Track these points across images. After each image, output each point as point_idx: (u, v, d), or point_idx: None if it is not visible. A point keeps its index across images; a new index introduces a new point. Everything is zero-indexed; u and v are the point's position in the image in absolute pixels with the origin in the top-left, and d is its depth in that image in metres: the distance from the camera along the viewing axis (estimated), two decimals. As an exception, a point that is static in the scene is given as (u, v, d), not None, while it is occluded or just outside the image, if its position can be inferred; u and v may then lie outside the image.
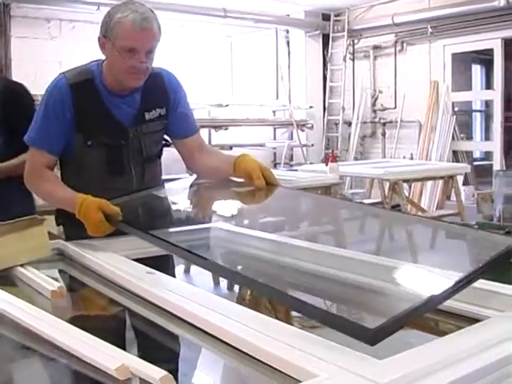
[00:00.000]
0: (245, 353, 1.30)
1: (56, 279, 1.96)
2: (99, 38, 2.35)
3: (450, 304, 1.55)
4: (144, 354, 1.36)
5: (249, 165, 2.52)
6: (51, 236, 2.33)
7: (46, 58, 8.68)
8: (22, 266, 2.07)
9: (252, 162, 2.54)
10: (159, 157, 2.63)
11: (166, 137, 2.64)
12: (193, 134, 2.66)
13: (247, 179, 2.51)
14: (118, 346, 1.34)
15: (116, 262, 2.00)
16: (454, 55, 9.48)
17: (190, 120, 2.66)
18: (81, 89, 2.38)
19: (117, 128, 2.41)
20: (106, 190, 2.35)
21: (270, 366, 1.22)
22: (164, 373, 1.18)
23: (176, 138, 2.63)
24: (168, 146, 2.67)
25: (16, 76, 8.27)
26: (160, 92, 2.50)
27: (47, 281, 1.91)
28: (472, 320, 1.44)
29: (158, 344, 1.60)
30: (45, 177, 2.41)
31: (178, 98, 2.56)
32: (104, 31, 2.31)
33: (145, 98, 2.45)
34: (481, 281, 1.64)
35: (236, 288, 2.20)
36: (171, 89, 2.54)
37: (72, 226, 2.37)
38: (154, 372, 1.20)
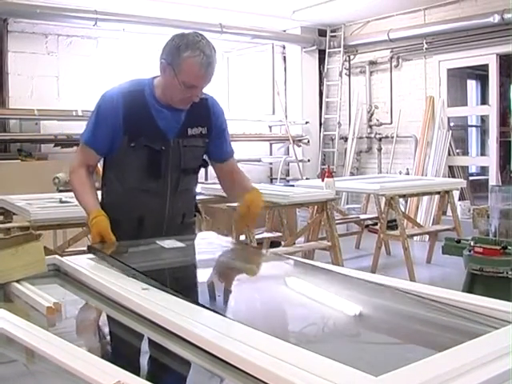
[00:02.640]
0: (239, 369, 1.29)
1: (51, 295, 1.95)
2: (162, 62, 2.56)
3: (450, 319, 1.56)
4: (140, 371, 1.35)
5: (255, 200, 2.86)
6: (47, 251, 2.33)
7: (44, 72, 8.70)
8: (17, 281, 2.07)
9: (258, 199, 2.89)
10: (196, 172, 2.83)
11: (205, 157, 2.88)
12: (229, 158, 2.94)
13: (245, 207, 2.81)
14: (113, 363, 1.34)
15: (111, 278, 1.99)
16: (449, 71, 9.51)
17: (227, 145, 2.92)
18: (131, 98, 2.61)
19: (159, 136, 2.63)
20: (141, 190, 2.67)
21: (265, 383, 1.22)
22: (160, 390, 1.18)
23: (214, 161, 2.90)
24: (206, 166, 2.91)
25: (13, 91, 8.30)
26: (204, 113, 2.74)
27: (43, 297, 1.90)
28: (471, 335, 1.44)
29: (154, 360, 1.60)
30: (83, 176, 2.69)
31: (219, 123, 2.83)
32: (170, 60, 2.52)
33: (189, 115, 2.67)
34: (480, 298, 1.64)
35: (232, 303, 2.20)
36: (215, 113, 2.80)
37: (120, 229, 2.60)
38: (150, 389, 1.19)
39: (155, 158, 2.64)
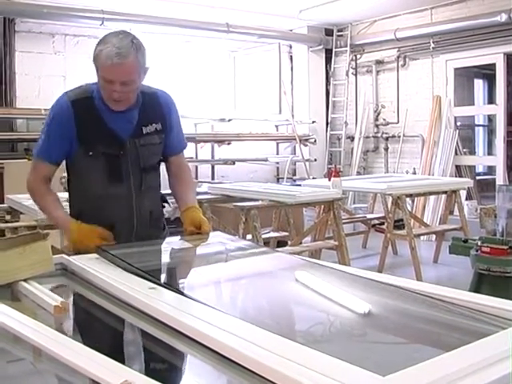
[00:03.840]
0: (246, 368, 1.29)
1: (58, 294, 1.95)
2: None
3: (457, 319, 1.55)
4: (147, 370, 1.35)
5: (196, 216, 2.76)
6: (54, 251, 2.33)
7: (51, 72, 8.72)
8: (25, 280, 2.07)
9: (199, 215, 2.79)
10: (156, 169, 2.82)
11: None
12: (179, 152, 2.94)
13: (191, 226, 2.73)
14: (121, 362, 1.34)
15: (119, 277, 2.00)
16: (456, 70, 9.49)
17: (180, 139, 2.93)
18: (81, 105, 2.61)
19: (114, 140, 2.63)
20: (106, 196, 2.66)
21: (272, 382, 1.22)
22: (167, 389, 1.18)
23: (165, 155, 2.87)
24: (163, 161, 2.90)
25: (20, 91, 8.32)
26: (156, 109, 2.75)
27: (50, 296, 1.91)
28: (478, 335, 1.43)
29: (161, 359, 1.60)
30: (42, 190, 2.73)
31: (172, 117, 2.83)
32: (92, 58, 2.55)
33: (142, 113, 2.68)
34: (487, 297, 1.64)
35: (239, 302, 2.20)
36: (167, 107, 2.80)
37: None
38: (157, 388, 1.19)
39: (115, 163, 2.64)
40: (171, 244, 2.82)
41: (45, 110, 8.05)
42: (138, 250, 2.61)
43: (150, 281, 1.92)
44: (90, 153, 2.61)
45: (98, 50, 2.51)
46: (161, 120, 2.75)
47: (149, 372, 1.28)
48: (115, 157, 2.64)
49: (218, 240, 2.81)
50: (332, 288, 1.90)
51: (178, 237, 2.83)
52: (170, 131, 2.81)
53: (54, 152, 2.67)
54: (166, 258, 2.63)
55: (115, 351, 1.59)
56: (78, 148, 2.61)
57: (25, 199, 4.94)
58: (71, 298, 2.06)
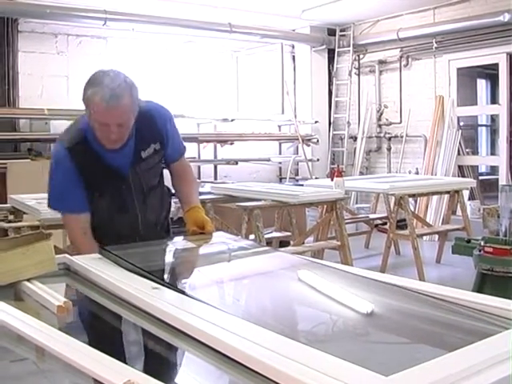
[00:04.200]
0: (249, 368, 1.29)
1: (61, 294, 1.96)
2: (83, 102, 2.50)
3: (460, 319, 1.55)
4: (150, 370, 1.35)
5: (199, 216, 2.80)
6: (57, 250, 2.34)
7: (53, 72, 8.73)
8: (28, 280, 2.08)
9: (202, 215, 2.83)
10: (159, 182, 2.88)
11: None
12: (178, 159, 2.94)
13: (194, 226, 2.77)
14: (124, 362, 1.34)
15: (122, 277, 2.00)
16: (459, 70, 9.48)
17: (176, 147, 2.90)
18: (79, 152, 2.58)
19: (116, 176, 2.66)
20: (116, 225, 2.72)
21: (275, 382, 1.22)
22: (170, 389, 1.18)
23: (166, 162, 2.90)
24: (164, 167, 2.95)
25: (23, 90, 8.33)
26: (152, 129, 2.70)
27: (53, 295, 1.91)
28: (481, 335, 1.43)
29: (164, 359, 1.60)
30: (86, 245, 2.64)
31: (167, 130, 2.78)
32: (83, 100, 2.46)
33: (139, 138, 2.65)
34: (490, 297, 1.63)
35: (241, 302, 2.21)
36: (162, 124, 2.75)
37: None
38: (160, 388, 1.20)
39: (119, 197, 2.70)
40: (174, 244, 2.83)
41: (48, 109, 8.09)
42: (141, 250, 2.61)
43: (152, 281, 1.92)
44: (96, 194, 2.66)
45: (90, 93, 2.41)
46: (159, 139, 2.73)
47: (152, 372, 1.28)
48: (119, 191, 2.69)
49: (220, 240, 2.81)
50: (335, 288, 1.90)
51: (181, 237, 2.84)
52: (168, 145, 2.80)
53: (76, 201, 2.66)
54: (168, 259, 2.63)
55: (118, 351, 1.59)
56: (86, 192, 2.65)
57: (28, 199, 4.95)
58: (74, 298, 2.06)
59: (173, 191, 3.04)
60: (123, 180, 2.68)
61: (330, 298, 1.82)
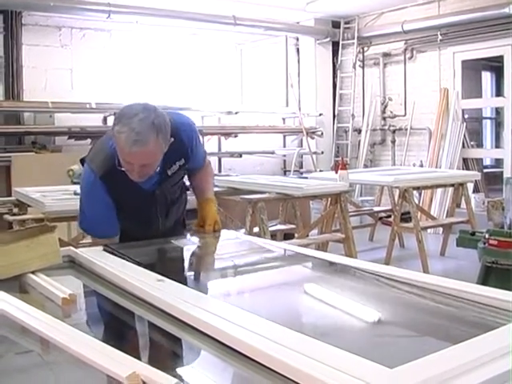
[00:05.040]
0: (254, 360, 1.30)
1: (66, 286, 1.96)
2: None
3: (464, 312, 1.55)
4: (155, 362, 1.36)
5: (207, 212, 2.89)
6: (61, 243, 2.34)
7: (57, 65, 8.72)
8: (33, 272, 2.08)
9: (211, 211, 2.89)
10: (181, 192, 2.96)
11: None
12: (199, 167, 2.96)
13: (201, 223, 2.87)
14: (129, 354, 1.34)
15: (126, 269, 2.00)
16: (463, 62, 9.45)
17: (199, 158, 2.90)
18: (110, 178, 2.55)
19: (144, 196, 2.69)
20: (136, 234, 2.72)
21: (282, 375, 1.22)
22: (174, 380, 1.18)
23: (189, 171, 2.92)
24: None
25: (27, 84, 8.33)
26: (178, 147, 2.64)
27: (58, 288, 1.91)
28: (486, 327, 1.43)
29: (169, 351, 1.60)
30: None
31: (192, 146, 2.77)
32: (112, 131, 2.40)
33: (166, 159, 2.57)
34: (495, 290, 1.63)
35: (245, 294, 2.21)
36: (188, 142, 2.73)
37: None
38: (165, 379, 1.20)
39: (145, 212, 2.76)
40: (178, 243, 2.85)
41: (52, 102, 8.08)
42: (145, 249, 2.63)
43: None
44: (125, 213, 2.67)
45: (116, 131, 2.35)
46: (184, 156, 2.72)
47: (157, 364, 1.28)
48: (144, 208, 2.73)
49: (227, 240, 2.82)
50: (341, 298, 1.89)
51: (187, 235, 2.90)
52: (191, 158, 2.79)
53: (107, 227, 2.69)
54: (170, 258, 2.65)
55: (123, 343, 1.60)
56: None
57: (32, 192, 4.96)
58: (79, 290, 2.06)
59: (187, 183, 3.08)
60: (150, 198, 2.72)
61: (337, 308, 1.83)
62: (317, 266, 2.33)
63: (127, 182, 2.52)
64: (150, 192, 2.70)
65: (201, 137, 3.01)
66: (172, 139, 2.49)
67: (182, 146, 2.67)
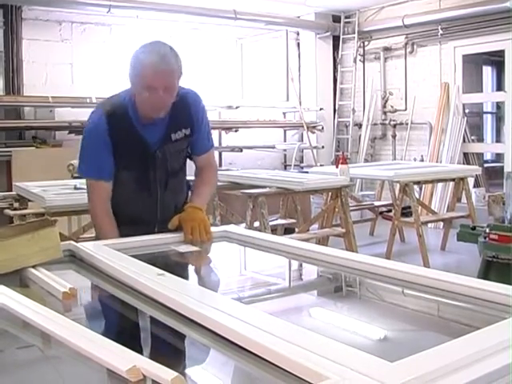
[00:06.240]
0: (256, 355, 1.30)
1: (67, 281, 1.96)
2: (129, 75, 2.61)
3: (465, 306, 1.55)
4: (155, 356, 1.36)
5: (185, 217, 2.70)
6: (62, 237, 2.34)
7: (57, 60, 8.71)
8: (33, 267, 2.08)
9: (189, 217, 2.70)
10: (182, 168, 2.89)
11: None
12: (204, 153, 2.94)
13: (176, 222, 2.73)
14: (129, 348, 1.35)
15: (127, 264, 2.00)
16: (464, 57, 9.43)
17: (205, 140, 2.93)
18: (116, 118, 2.66)
19: (145, 150, 2.71)
20: (135, 205, 2.78)
21: (281, 368, 1.22)
22: (175, 374, 1.18)
23: (192, 154, 2.92)
24: (190, 157, 2.95)
25: (27, 78, 8.33)
26: (185, 113, 2.76)
27: (59, 282, 1.91)
28: (486, 321, 1.43)
29: (170, 346, 1.60)
30: (103, 216, 2.75)
31: (199, 119, 2.83)
32: (131, 69, 2.57)
33: (172, 120, 2.72)
34: (495, 284, 1.63)
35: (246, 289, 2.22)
36: (195, 110, 2.81)
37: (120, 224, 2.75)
38: (166, 373, 1.20)
39: (143, 172, 2.75)
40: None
41: (52, 97, 8.08)
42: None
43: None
44: (122, 164, 2.71)
45: (141, 59, 2.52)
46: (190, 124, 2.78)
47: (157, 358, 1.28)
48: (143, 166, 2.74)
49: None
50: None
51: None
52: (197, 133, 2.83)
53: (104, 169, 2.71)
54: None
55: (124, 337, 1.60)
56: (114, 160, 2.71)
57: (32, 186, 4.96)
58: (79, 285, 2.06)
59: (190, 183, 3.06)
60: (150, 157, 2.73)
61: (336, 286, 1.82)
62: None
63: (132, 129, 2.66)
64: (151, 151, 2.72)
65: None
66: (179, 100, 2.66)
67: (188, 112, 2.77)
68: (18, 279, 2.05)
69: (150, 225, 2.78)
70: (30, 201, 4.98)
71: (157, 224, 2.79)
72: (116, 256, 2.12)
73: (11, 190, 5.87)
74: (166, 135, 2.73)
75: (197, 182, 2.98)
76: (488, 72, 11.97)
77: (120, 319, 1.88)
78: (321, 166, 9.63)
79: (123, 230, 2.74)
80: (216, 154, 9.81)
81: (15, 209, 5.11)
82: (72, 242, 2.38)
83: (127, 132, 2.66)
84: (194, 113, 2.79)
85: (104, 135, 2.64)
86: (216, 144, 9.82)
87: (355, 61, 10.71)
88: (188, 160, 2.96)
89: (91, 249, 2.24)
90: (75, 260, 2.28)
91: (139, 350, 1.43)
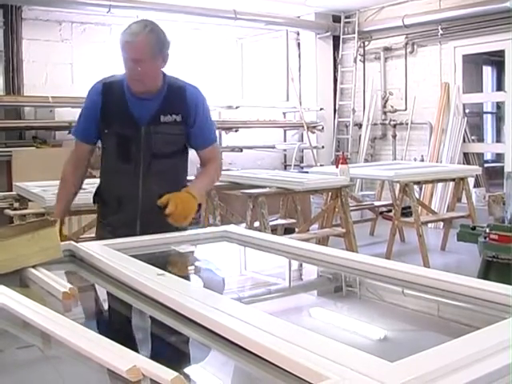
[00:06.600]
0: (256, 355, 1.30)
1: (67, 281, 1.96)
2: None
3: (465, 306, 1.55)
4: (155, 356, 1.36)
5: (174, 196, 2.76)
6: (62, 237, 2.34)
7: (58, 60, 8.71)
8: (33, 267, 2.08)
9: (178, 197, 2.76)
10: (170, 157, 2.91)
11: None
12: (206, 147, 3.01)
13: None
14: (129, 348, 1.35)
15: (127, 263, 2.00)
16: (464, 57, 9.43)
17: (205, 134, 3.00)
18: (110, 88, 2.88)
19: (131, 123, 2.83)
20: (116, 172, 2.93)
21: (281, 368, 1.22)
22: (175, 374, 1.18)
23: (192, 148, 3.01)
24: (185, 152, 3.02)
25: (28, 78, 8.33)
26: (179, 101, 2.87)
27: (59, 282, 1.91)
28: (486, 321, 1.43)
29: (169, 345, 1.60)
30: (66, 172, 3.01)
31: (197, 113, 2.91)
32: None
33: (164, 103, 2.85)
34: (495, 284, 1.63)
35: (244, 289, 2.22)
36: (191, 102, 2.90)
37: (106, 207, 2.98)
38: (166, 373, 1.20)
39: (126, 144, 2.86)
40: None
41: (52, 97, 8.08)
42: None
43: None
44: (106, 130, 2.87)
45: (120, 34, 2.74)
46: (182, 113, 2.86)
47: (157, 357, 1.28)
48: (127, 139, 2.85)
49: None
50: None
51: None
52: (194, 126, 2.90)
53: (86, 131, 2.94)
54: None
55: (124, 337, 1.60)
56: (99, 125, 2.88)
57: (33, 186, 4.96)
58: (79, 285, 2.06)
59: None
60: (136, 130, 2.83)
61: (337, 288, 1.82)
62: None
63: (123, 101, 2.83)
64: (138, 125, 2.83)
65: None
66: (176, 86, 2.88)
67: (183, 100, 2.87)
68: (18, 279, 2.05)
69: (133, 206, 2.87)
70: (30, 201, 4.98)
71: (139, 212, 2.87)
72: (116, 256, 2.12)
73: (11, 190, 5.87)
74: (156, 115, 2.83)
75: (197, 174, 3.10)
76: (488, 72, 11.97)
77: (120, 319, 1.88)
78: (321, 166, 9.63)
79: (109, 209, 2.94)
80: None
81: (15, 209, 5.11)
82: (72, 243, 2.38)
83: (118, 103, 2.83)
84: (190, 104, 2.88)
85: (96, 101, 2.85)
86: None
87: (355, 61, 10.71)
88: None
89: (91, 249, 2.24)
90: (75, 260, 2.28)
91: (139, 350, 1.43)
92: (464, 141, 9.33)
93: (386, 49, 10.36)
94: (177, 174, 2.98)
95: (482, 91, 11.01)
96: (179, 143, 2.93)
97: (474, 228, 5.13)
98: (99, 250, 2.21)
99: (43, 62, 8.60)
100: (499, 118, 11.67)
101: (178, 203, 2.71)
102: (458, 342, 1.27)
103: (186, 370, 1.42)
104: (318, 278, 2.49)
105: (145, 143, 2.84)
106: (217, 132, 9.66)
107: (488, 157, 11.61)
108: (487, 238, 4.61)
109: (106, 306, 2.00)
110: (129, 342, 1.47)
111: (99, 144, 3.01)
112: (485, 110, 12.06)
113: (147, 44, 2.71)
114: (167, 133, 2.86)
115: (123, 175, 2.89)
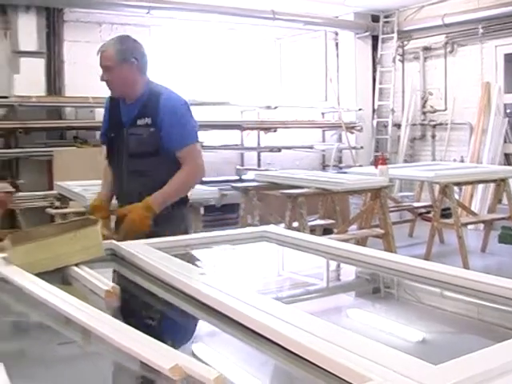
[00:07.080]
0: (297, 355, 1.29)
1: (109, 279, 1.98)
2: None
3: (507, 308, 1.53)
4: (197, 354, 1.37)
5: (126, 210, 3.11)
6: (104, 236, 2.37)
7: (98, 60, 8.78)
8: (76, 265, 2.11)
9: (133, 214, 3.03)
10: (145, 157, 3.14)
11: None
12: (177, 149, 3.15)
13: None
14: (171, 346, 1.35)
15: (168, 262, 2.02)
16: (506, 56, 9.29)
17: (173, 137, 3.13)
18: (113, 99, 3.33)
19: (119, 125, 3.22)
20: (113, 172, 3.31)
21: (324, 369, 1.22)
22: (218, 373, 1.19)
23: (165, 150, 3.13)
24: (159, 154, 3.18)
25: (69, 79, 8.44)
26: (152, 106, 3.14)
27: (101, 280, 1.94)
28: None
29: (211, 345, 1.61)
30: (103, 171, 3.43)
31: (166, 117, 3.11)
32: None
33: (141, 108, 3.16)
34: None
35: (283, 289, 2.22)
36: (163, 107, 3.13)
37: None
38: (208, 372, 1.20)
39: (115, 145, 3.25)
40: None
41: (93, 98, 8.16)
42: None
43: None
44: (110, 134, 3.29)
45: None
46: (152, 116, 3.12)
47: (199, 356, 1.29)
48: (116, 140, 3.23)
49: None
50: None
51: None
52: (161, 129, 3.09)
53: (103, 134, 3.39)
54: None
55: (165, 335, 1.61)
56: None
57: (74, 186, 5.02)
58: (121, 283, 2.08)
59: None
60: (119, 132, 3.20)
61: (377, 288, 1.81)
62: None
63: (117, 108, 3.26)
64: (123, 128, 3.18)
65: (199, 145, 3.33)
66: (148, 91, 3.18)
67: (156, 105, 3.12)
68: (60, 277, 2.08)
69: (124, 203, 3.19)
70: (71, 200, 5.05)
71: (125, 201, 3.19)
72: (157, 255, 2.14)
73: (52, 189, 5.95)
74: (135, 118, 3.14)
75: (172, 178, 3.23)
76: (530, 71, 11.77)
77: (161, 317, 1.89)
78: (360, 166, 9.57)
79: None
80: (254, 154, 9.84)
81: (56, 208, 5.19)
82: (113, 241, 2.41)
83: (115, 109, 3.26)
84: (160, 108, 3.12)
85: (107, 107, 3.36)
86: (255, 144, 9.85)
87: (394, 61, 10.64)
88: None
89: (132, 248, 2.26)
90: (117, 259, 2.31)
91: (180, 349, 1.44)
92: (505, 141, 9.20)
93: (426, 48, 10.26)
94: (158, 174, 3.13)
95: (524, 91, 10.84)
96: (152, 144, 3.12)
97: (515, 230, 5.07)
98: (140, 249, 2.23)
99: (84, 63, 8.70)
100: (541, 119, 11.47)
101: (134, 219, 2.99)
102: (502, 347, 1.26)
103: (227, 369, 1.42)
104: (356, 279, 2.49)
105: (124, 144, 3.17)
106: (255, 132, 9.66)
107: (530, 158, 11.42)
108: (529, 240, 4.54)
109: (147, 305, 2.01)
110: (170, 340, 1.48)
111: None
112: (527, 110, 11.86)
113: (111, 53, 3.14)
114: (139, 134, 3.12)
115: (115, 174, 3.31)
